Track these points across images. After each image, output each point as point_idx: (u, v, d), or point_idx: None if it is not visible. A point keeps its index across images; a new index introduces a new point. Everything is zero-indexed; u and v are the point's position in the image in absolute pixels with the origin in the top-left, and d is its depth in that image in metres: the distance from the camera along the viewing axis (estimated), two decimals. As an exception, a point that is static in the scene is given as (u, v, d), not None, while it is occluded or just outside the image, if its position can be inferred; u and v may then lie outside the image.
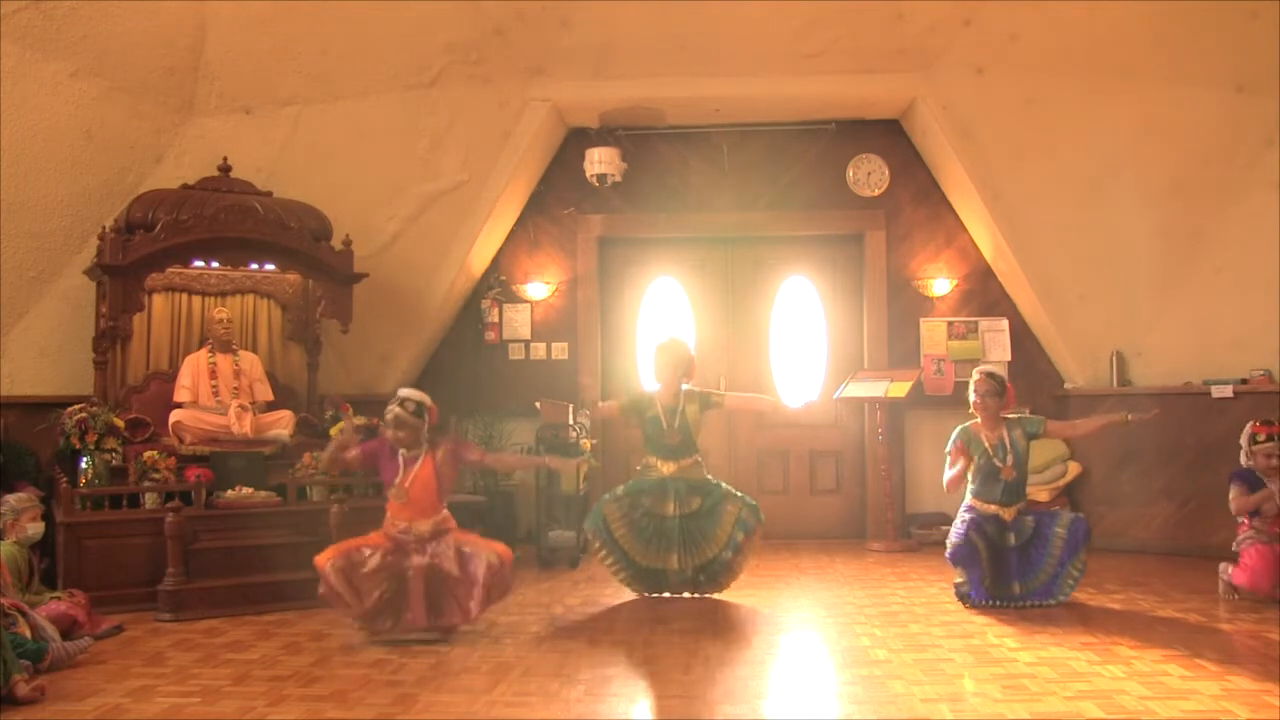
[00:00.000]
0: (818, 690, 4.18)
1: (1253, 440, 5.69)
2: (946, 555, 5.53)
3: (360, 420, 6.47)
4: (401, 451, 4.97)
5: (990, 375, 5.70)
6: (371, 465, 5.14)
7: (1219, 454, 6.92)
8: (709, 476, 5.92)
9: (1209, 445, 7.08)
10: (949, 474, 5.65)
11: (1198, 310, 7.39)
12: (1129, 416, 5.72)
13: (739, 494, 5.86)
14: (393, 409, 4.96)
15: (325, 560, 4.81)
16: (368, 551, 4.85)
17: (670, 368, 5.90)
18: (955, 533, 5.55)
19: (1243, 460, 5.74)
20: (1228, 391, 7.06)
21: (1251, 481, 5.62)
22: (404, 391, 5.05)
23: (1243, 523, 5.67)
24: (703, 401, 5.93)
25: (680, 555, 5.71)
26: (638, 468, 6.02)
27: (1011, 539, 5.53)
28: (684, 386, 5.91)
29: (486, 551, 4.92)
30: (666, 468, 5.83)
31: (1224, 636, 4.81)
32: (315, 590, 4.88)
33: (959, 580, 5.55)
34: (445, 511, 5.01)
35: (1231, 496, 5.67)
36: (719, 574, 5.81)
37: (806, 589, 6.17)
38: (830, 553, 7.42)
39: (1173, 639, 4.69)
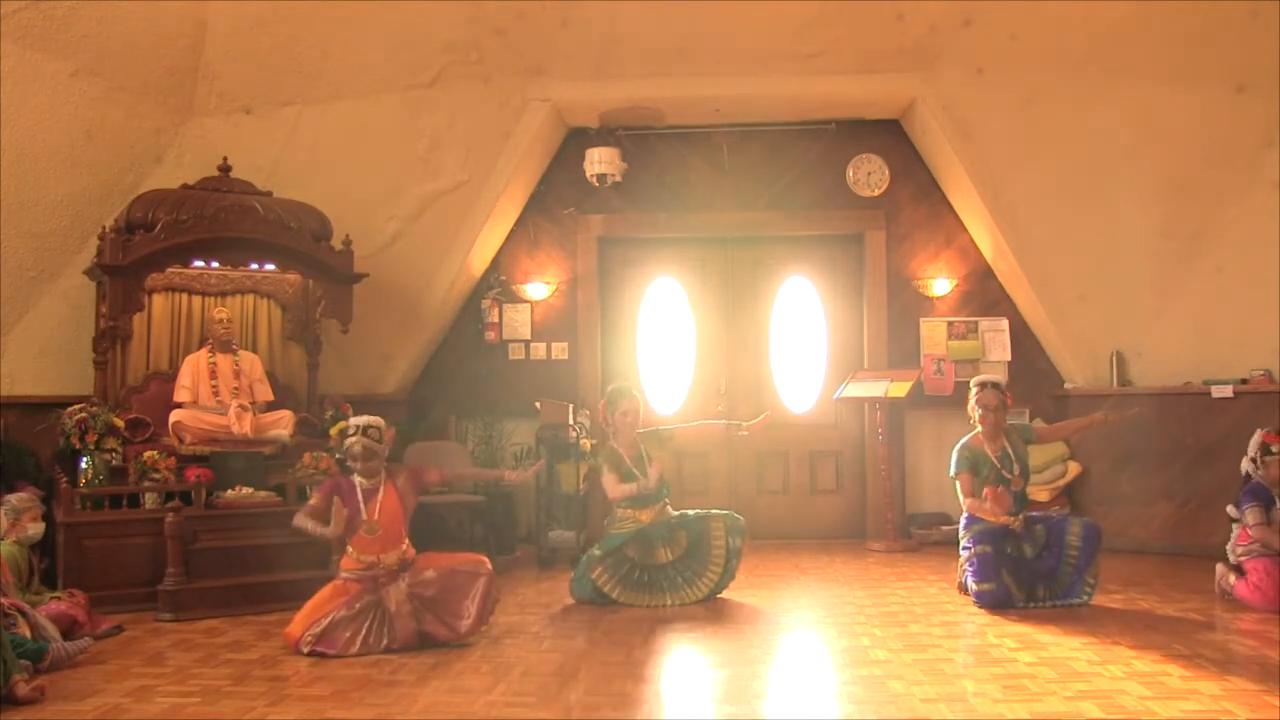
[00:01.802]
0: (818, 690, 4.18)
1: (1264, 451, 5.50)
2: (976, 604, 5.42)
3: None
4: (360, 484, 4.89)
5: (995, 386, 5.67)
6: (346, 507, 4.90)
7: (1219, 454, 6.93)
8: (673, 510, 5.92)
9: (1209, 445, 7.08)
10: (970, 502, 5.56)
11: (1198, 310, 7.38)
12: (1107, 416, 5.67)
13: (710, 511, 5.91)
14: (356, 440, 4.85)
15: (296, 636, 4.64)
16: (331, 613, 4.67)
17: (628, 416, 5.86)
18: (974, 574, 5.44)
19: (1247, 468, 5.59)
20: (1228, 391, 7.05)
21: (1266, 499, 5.45)
22: (359, 420, 4.95)
23: (1244, 531, 5.50)
24: (658, 440, 5.98)
25: (673, 596, 5.66)
26: (605, 521, 5.97)
27: (1028, 550, 5.51)
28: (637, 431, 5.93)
29: (471, 564, 4.85)
30: (645, 515, 5.79)
31: (1224, 636, 4.81)
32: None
33: (980, 594, 5.44)
34: (407, 541, 4.94)
35: (1251, 522, 5.43)
36: (721, 590, 5.81)
37: (806, 589, 6.17)
38: (830, 553, 7.42)
39: (1173, 639, 4.68)
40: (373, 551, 4.82)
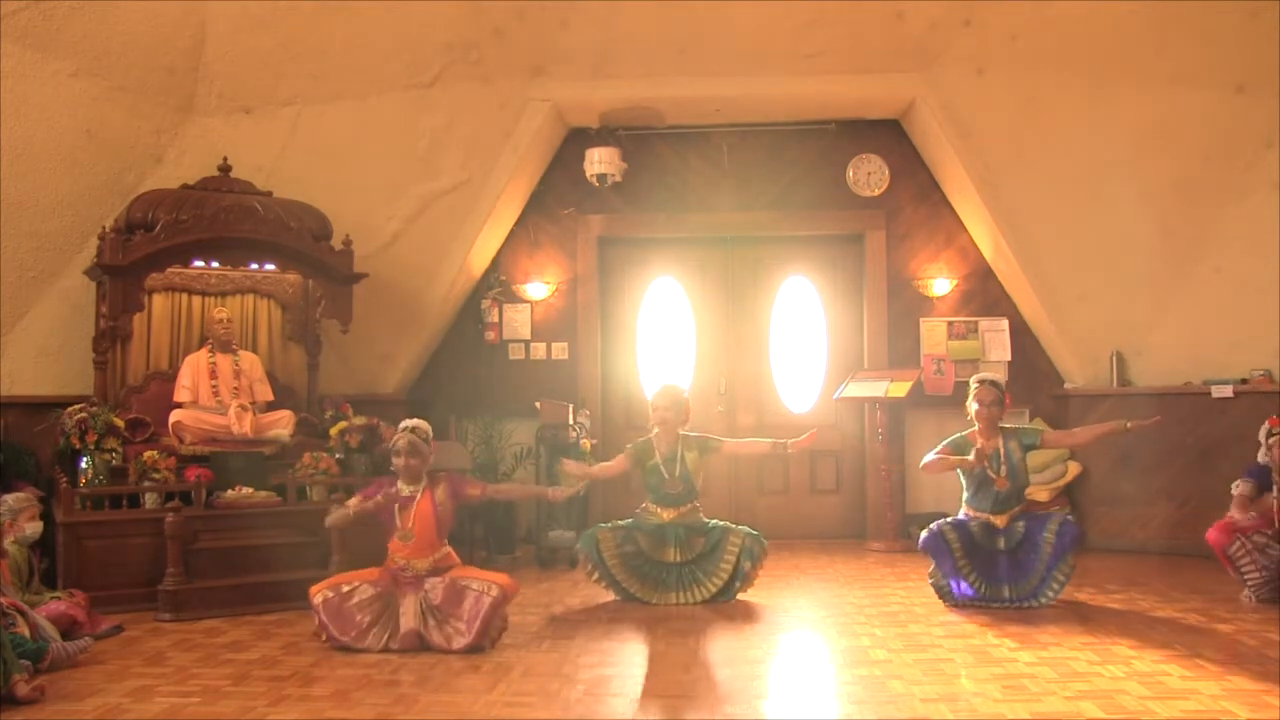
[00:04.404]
0: (818, 690, 4.18)
1: (1269, 434, 5.61)
2: (919, 544, 5.58)
3: (360, 420, 6.49)
4: (402, 488, 4.95)
5: (993, 384, 5.70)
6: (382, 511, 4.97)
7: (1219, 454, 6.94)
8: (706, 519, 5.94)
9: (1209, 445, 7.09)
10: (928, 457, 5.73)
11: (1198, 310, 7.39)
12: (1129, 424, 5.64)
13: (739, 527, 5.90)
14: (404, 436, 4.95)
15: (317, 591, 4.80)
16: (359, 583, 4.80)
17: (668, 414, 5.89)
18: (932, 525, 5.60)
19: (1260, 456, 5.67)
20: (1228, 391, 7.05)
21: (1263, 480, 5.57)
22: (408, 421, 5.06)
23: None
24: (701, 447, 5.97)
25: (680, 594, 5.70)
26: (637, 510, 6.00)
27: (1001, 543, 5.53)
28: (681, 432, 5.94)
29: (484, 584, 4.77)
30: (666, 514, 5.84)
31: (1224, 636, 4.81)
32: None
33: (932, 571, 5.58)
34: (447, 548, 4.98)
35: (1237, 492, 5.62)
36: (722, 600, 5.79)
37: (806, 589, 6.17)
38: (830, 553, 7.42)
39: (1173, 639, 4.69)
40: (403, 555, 4.89)
